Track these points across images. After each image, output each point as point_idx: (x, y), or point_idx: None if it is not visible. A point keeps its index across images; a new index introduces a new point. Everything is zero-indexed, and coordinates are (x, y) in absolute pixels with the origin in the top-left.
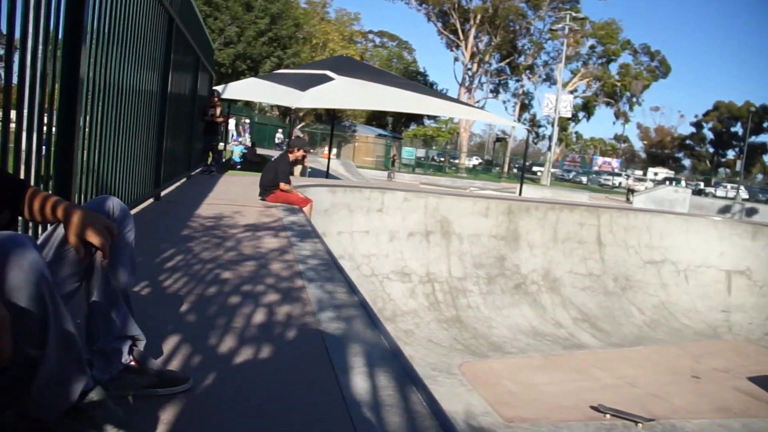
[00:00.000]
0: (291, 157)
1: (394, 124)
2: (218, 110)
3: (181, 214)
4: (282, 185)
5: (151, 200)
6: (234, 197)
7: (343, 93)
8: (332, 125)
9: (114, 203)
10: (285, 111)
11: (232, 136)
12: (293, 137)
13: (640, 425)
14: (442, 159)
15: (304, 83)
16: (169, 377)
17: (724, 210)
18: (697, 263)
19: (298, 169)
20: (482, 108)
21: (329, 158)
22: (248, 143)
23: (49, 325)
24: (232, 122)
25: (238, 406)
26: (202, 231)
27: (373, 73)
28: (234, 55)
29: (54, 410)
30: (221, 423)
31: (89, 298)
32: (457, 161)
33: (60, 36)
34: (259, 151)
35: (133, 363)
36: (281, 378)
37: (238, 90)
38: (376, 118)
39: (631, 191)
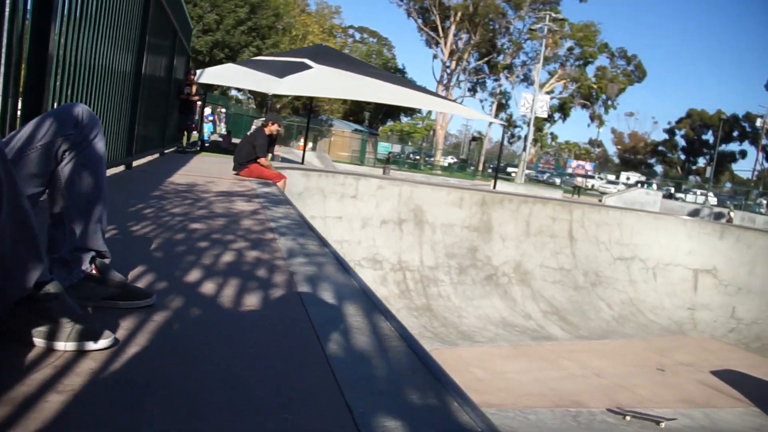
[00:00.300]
0: (266, 131)
1: (371, 120)
2: (194, 88)
3: (153, 180)
4: (262, 159)
5: (122, 168)
6: (207, 171)
7: (321, 82)
8: (309, 118)
9: (82, 109)
10: (261, 102)
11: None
12: (269, 112)
13: (662, 424)
14: (417, 157)
15: (282, 70)
16: (132, 290)
17: (694, 213)
18: (666, 261)
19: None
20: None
21: (304, 150)
22: (224, 131)
23: (2, 195)
24: (208, 110)
25: (206, 322)
26: (173, 193)
27: (351, 63)
28: (212, 43)
29: (7, 297)
30: (187, 334)
31: (53, 208)
32: (432, 159)
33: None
34: (235, 140)
35: (94, 272)
36: (249, 306)
37: (215, 75)
38: (353, 114)
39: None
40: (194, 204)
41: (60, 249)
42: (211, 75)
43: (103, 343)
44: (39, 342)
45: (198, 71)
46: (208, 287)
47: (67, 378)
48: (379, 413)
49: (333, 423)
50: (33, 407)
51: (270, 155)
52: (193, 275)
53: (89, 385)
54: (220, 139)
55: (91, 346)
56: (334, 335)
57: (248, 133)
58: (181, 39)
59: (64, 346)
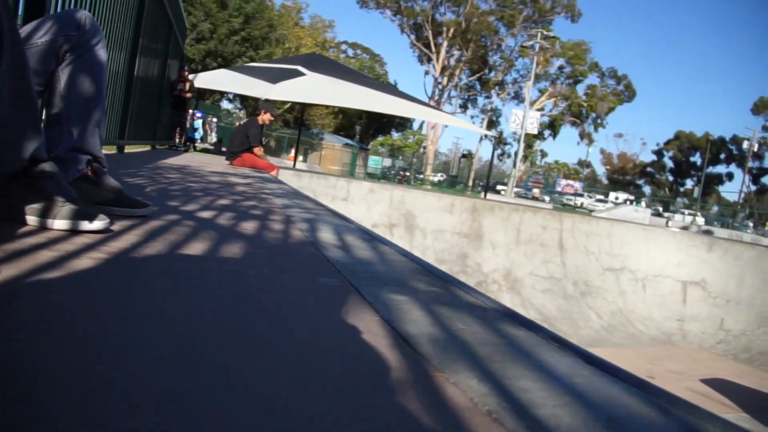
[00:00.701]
0: (259, 120)
1: (362, 135)
2: (187, 85)
3: (145, 161)
4: (256, 149)
5: (114, 150)
6: (200, 161)
7: (314, 88)
8: (300, 130)
9: (85, 15)
10: (252, 112)
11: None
12: (262, 102)
13: None
14: (408, 173)
15: (274, 76)
16: (128, 198)
17: (682, 229)
18: (655, 273)
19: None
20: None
21: (295, 161)
22: (215, 140)
23: (3, 47)
24: (199, 121)
25: (200, 233)
26: (166, 168)
27: (345, 71)
28: (205, 52)
29: (2, 165)
30: (184, 241)
31: (50, 109)
32: (422, 176)
33: None
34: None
35: (90, 173)
36: (245, 228)
37: (208, 79)
38: (344, 128)
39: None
40: (188, 175)
41: (56, 149)
42: (204, 79)
43: (98, 224)
44: (32, 220)
45: (191, 76)
46: (205, 214)
47: (59, 253)
48: (385, 292)
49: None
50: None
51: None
52: (190, 206)
53: (83, 261)
54: (212, 147)
55: (85, 225)
56: (337, 251)
57: (240, 123)
58: (176, 34)
59: (57, 224)
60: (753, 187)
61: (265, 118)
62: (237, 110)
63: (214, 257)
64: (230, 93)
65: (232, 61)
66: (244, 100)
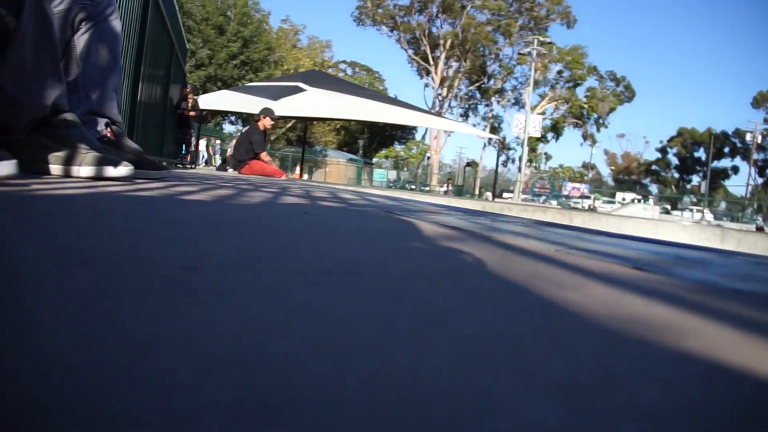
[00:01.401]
0: (260, 125)
1: (365, 149)
2: (190, 103)
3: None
4: (263, 154)
5: None
6: (208, 171)
7: (315, 103)
8: (303, 148)
9: None
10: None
11: (202, 156)
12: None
13: None
14: (413, 186)
15: (276, 94)
16: (147, 160)
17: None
18: None
19: None
20: (452, 132)
21: (300, 177)
22: (219, 162)
23: None
24: (202, 143)
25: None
26: (178, 176)
27: (345, 85)
28: (205, 77)
29: (25, 111)
30: (211, 205)
31: (67, 76)
32: (428, 187)
33: None
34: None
35: (109, 135)
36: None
37: (209, 101)
38: (347, 144)
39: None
40: (201, 181)
41: (75, 112)
42: (206, 101)
43: (122, 170)
44: (56, 168)
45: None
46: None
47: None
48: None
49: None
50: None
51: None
52: (216, 192)
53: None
54: (215, 168)
55: (110, 171)
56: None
57: (242, 131)
58: (177, 54)
59: (83, 170)
60: (759, 180)
61: (265, 122)
62: (240, 132)
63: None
64: (232, 115)
65: (233, 85)
66: (246, 122)
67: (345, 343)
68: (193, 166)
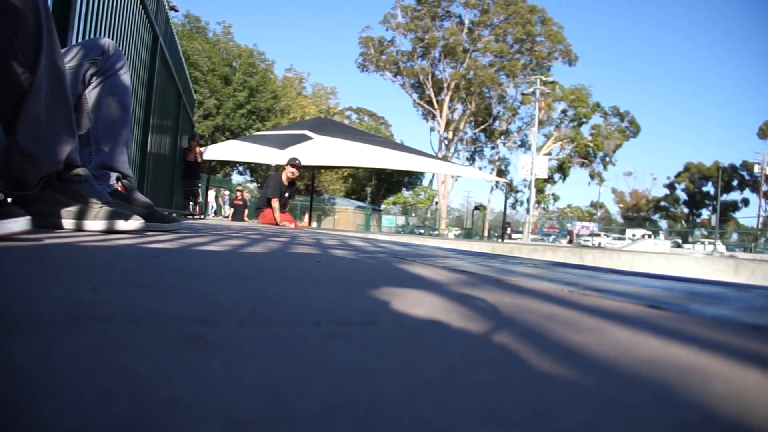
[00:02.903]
0: (283, 176)
1: (373, 196)
2: (197, 152)
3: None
4: (272, 201)
5: None
6: (219, 222)
7: (322, 151)
8: (312, 196)
9: (109, 41)
10: (263, 184)
11: (211, 207)
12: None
13: None
14: (422, 231)
15: (282, 142)
16: (158, 213)
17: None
18: None
19: None
20: (459, 176)
21: (309, 225)
22: (227, 212)
23: (42, 47)
24: (211, 194)
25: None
26: (188, 225)
27: (351, 132)
28: (213, 128)
29: (40, 166)
30: (223, 255)
31: (79, 130)
32: (437, 232)
33: None
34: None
35: (120, 188)
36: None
37: (218, 151)
38: (354, 192)
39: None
40: (211, 231)
41: (86, 167)
42: (214, 151)
43: (133, 223)
44: (68, 223)
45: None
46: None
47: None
48: None
49: None
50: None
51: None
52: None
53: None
54: (227, 218)
55: (121, 225)
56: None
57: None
58: (185, 105)
59: (95, 224)
60: None
61: (288, 170)
62: (248, 182)
63: None
64: (241, 165)
65: (240, 134)
66: (254, 171)
67: (365, 397)
68: (202, 217)
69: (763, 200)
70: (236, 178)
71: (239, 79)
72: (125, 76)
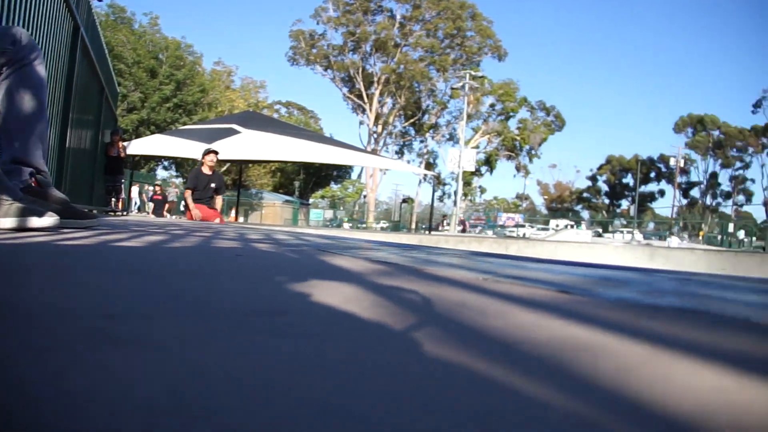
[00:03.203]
0: (204, 168)
1: (301, 191)
2: (120, 147)
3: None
4: (186, 192)
5: None
6: (141, 219)
7: (250, 145)
8: (239, 191)
9: (21, 31)
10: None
11: (135, 203)
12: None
13: None
14: (350, 224)
15: (210, 136)
16: (74, 209)
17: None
18: None
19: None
20: (388, 170)
21: (236, 221)
22: (150, 209)
23: None
24: (135, 189)
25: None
26: (107, 222)
27: (280, 126)
28: (137, 122)
29: None
30: (138, 250)
31: None
32: (365, 225)
33: None
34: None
35: (33, 184)
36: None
37: (142, 146)
38: (282, 186)
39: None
40: (131, 228)
41: None
42: (138, 146)
43: (47, 220)
44: None
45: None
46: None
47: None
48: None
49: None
50: None
51: (221, 198)
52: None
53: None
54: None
55: (33, 222)
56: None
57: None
58: (108, 98)
59: (4, 222)
60: (684, 201)
61: (205, 160)
62: (174, 178)
63: None
64: (166, 161)
65: (166, 129)
66: (180, 167)
67: (261, 379)
68: (125, 213)
69: (677, 191)
70: (161, 173)
71: (166, 72)
72: (40, 68)
